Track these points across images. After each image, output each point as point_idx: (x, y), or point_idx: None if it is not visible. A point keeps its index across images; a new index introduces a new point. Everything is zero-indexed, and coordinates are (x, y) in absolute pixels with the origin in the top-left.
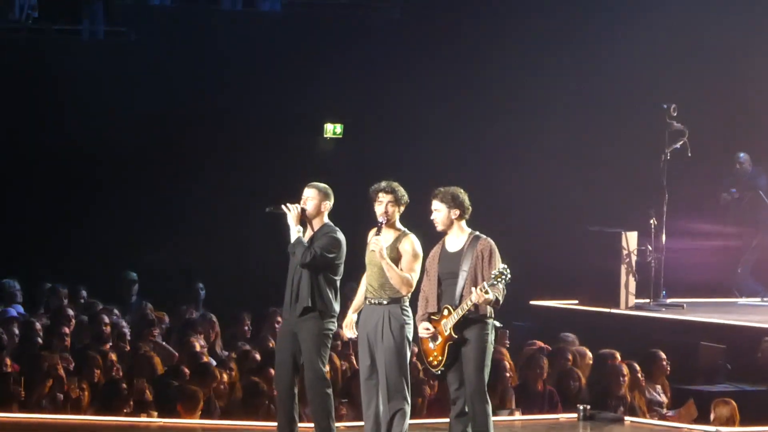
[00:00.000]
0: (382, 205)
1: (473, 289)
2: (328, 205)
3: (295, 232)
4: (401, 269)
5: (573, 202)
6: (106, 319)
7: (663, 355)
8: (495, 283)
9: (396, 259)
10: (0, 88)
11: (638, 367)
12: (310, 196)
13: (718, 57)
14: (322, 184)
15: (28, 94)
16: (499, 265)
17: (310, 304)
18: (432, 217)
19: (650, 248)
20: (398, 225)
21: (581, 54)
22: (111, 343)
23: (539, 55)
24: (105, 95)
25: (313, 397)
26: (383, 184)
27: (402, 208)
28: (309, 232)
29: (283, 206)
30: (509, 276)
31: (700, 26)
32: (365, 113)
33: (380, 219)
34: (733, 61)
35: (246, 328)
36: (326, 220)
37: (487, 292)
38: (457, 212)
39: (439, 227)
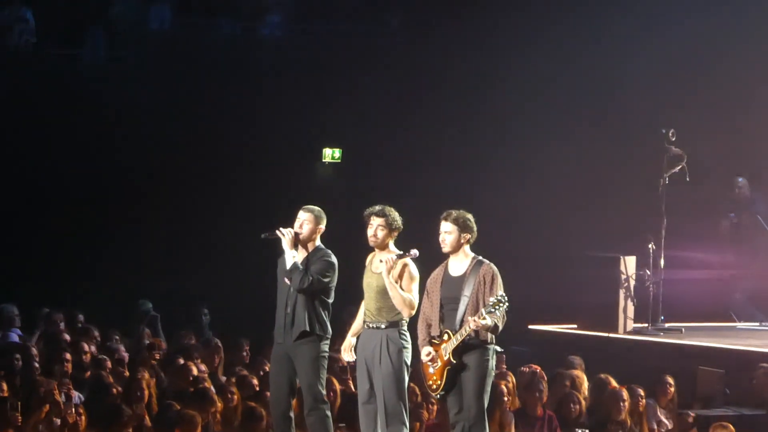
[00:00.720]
0: (372, 228)
1: (472, 317)
2: (322, 228)
3: (291, 257)
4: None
5: (572, 227)
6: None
7: (670, 380)
8: (492, 310)
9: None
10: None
11: (641, 392)
12: (305, 219)
13: (718, 82)
14: (317, 208)
15: (29, 120)
16: (498, 292)
17: (308, 328)
18: (441, 239)
19: (649, 273)
20: (392, 248)
21: (581, 80)
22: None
23: (539, 82)
24: (105, 121)
25: (313, 420)
26: (377, 207)
27: (395, 234)
28: (302, 255)
29: (277, 231)
30: (507, 304)
31: (699, 51)
32: (364, 138)
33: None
34: (733, 86)
35: (244, 353)
36: (319, 243)
37: (484, 319)
38: (467, 237)
39: (447, 249)
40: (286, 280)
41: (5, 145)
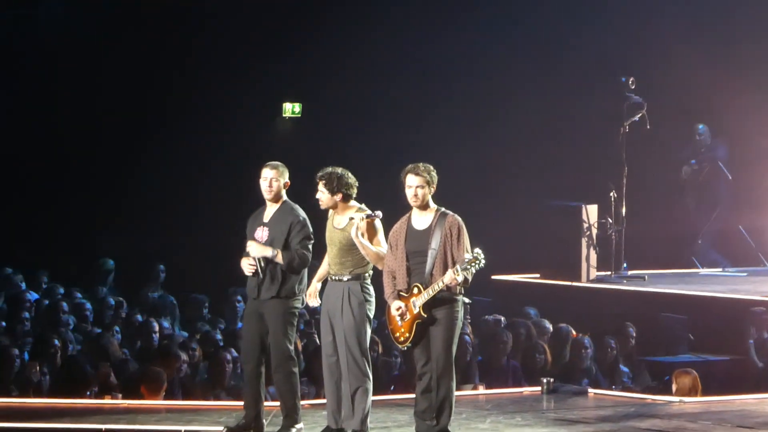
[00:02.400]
0: (323, 194)
1: (448, 270)
2: (288, 182)
3: (272, 253)
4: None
5: (533, 176)
6: (65, 305)
7: (632, 330)
8: (468, 267)
9: (350, 237)
10: None
11: (610, 341)
12: (273, 177)
13: (677, 28)
14: (279, 163)
15: None
16: (474, 250)
17: (277, 293)
18: (413, 193)
19: (610, 221)
20: (352, 204)
21: (540, 28)
22: (71, 327)
23: (498, 29)
24: (59, 76)
25: (279, 376)
26: (323, 173)
27: (343, 193)
28: (270, 211)
29: (243, 265)
30: (483, 261)
31: None
32: (324, 92)
33: (377, 213)
34: (692, 33)
35: (205, 310)
36: (285, 197)
37: (458, 275)
38: (433, 189)
39: (419, 203)
40: (257, 236)
41: None
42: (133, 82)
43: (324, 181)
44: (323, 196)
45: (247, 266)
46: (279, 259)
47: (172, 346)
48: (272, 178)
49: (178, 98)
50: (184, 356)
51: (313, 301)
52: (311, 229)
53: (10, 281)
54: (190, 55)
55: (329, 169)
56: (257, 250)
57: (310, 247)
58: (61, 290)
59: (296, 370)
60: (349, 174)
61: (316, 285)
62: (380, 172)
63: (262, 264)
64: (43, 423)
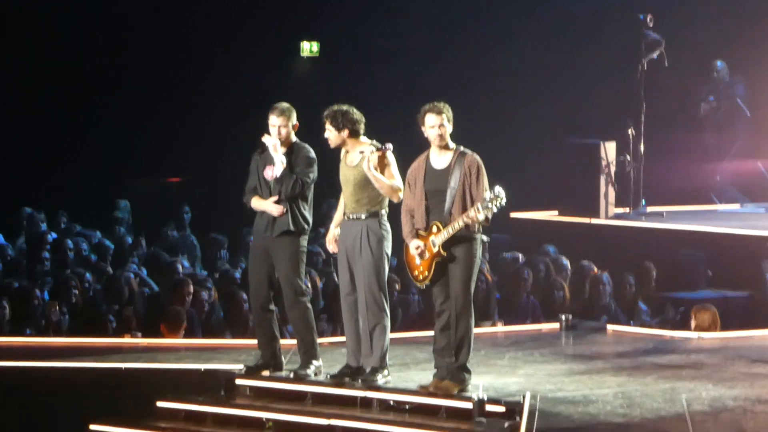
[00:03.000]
0: (330, 132)
1: (471, 209)
2: (296, 123)
3: (281, 163)
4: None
5: (551, 113)
6: (85, 245)
7: (652, 267)
8: (489, 206)
9: (364, 174)
10: None
11: (629, 278)
12: (280, 124)
13: None
14: (285, 105)
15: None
16: (495, 188)
17: (292, 227)
18: (436, 133)
19: (629, 158)
20: (363, 140)
21: None
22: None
23: None
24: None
25: (294, 313)
26: (328, 111)
27: (349, 130)
28: (280, 151)
29: (264, 141)
30: (504, 199)
31: None
32: (343, 31)
33: (388, 145)
34: None
35: (224, 251)
36: (294, 138)
37: (479, 213)
38: (451, 127)
39: (443, 142)
40: (268, 175)
41: None
42: (151, 22)
43: (329, 119)
44: (330, 134)
45: (275, 206)
46: (282, 164)
47: (185, 283)
48: (280, 125)
49: (196, 38)
50: (205, 295)
51: (332, 247)
52: (316, 166)
53: (32, 220)
54: None
55: (334, 107)
56: (270, 172)
57: (310, 178)
58: (79, 229)
59: (310, 305)
60: (354, 110)
61: (334, 231)
62: (397, 110)
63: (269, 144)
64: (64, 362)
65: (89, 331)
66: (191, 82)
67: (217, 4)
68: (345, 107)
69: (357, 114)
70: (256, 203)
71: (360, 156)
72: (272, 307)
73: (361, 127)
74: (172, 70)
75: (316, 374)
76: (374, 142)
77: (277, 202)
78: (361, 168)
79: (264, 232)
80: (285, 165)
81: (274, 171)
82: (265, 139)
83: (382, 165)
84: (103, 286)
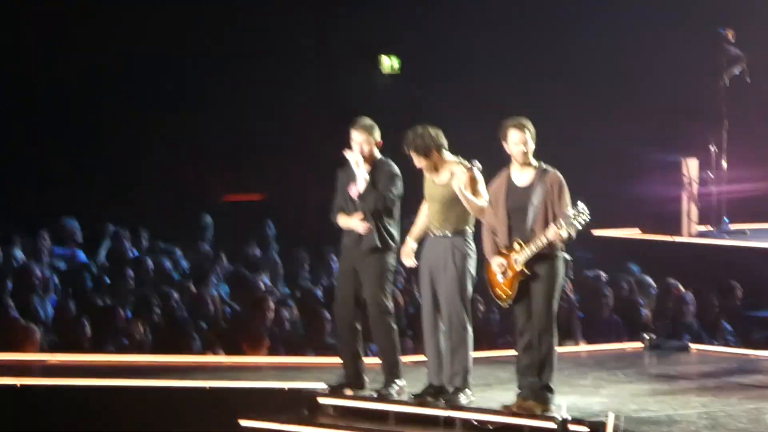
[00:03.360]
0: (417, 161)
1: (551, 225)
2: (378, 140)
3: (363, 179)
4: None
5: (632, 129)
6: (167, 263)
7: (738, 287)
8: (573, 222)
9: (453, 192)
10: None
11: (712, 297)
12: (362, 141)
13: None
14: (367, 121)
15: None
16: (578, 204)
17: (379, 244)
18: (519, 150)
19: (711, 175)
20: (449, 157)
21: None
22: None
23: None
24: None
25: (378, 332)
26: (409, 141)
27: (436, 145)
28: (365, 174)
29: (346, 155)
30: (587, 216)
31: None
32: (424, 47)
33: (476, 163)
34: None
35: (306, 266)
36: (378, 155)
37: (562, 230)
38: (533, 144)
39: (525, 159)
40: (353, 193)
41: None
42: (221, 28)
43: (412, 149)
44: (421, 162)
45: (360, 223)
46: (365, 180)
47: (265, 300)
48: (362, 143)
49: (280, 51)
50: (286, 313)
51: (409, 261)
52: (401, 184)
53: (116, 237)
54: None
55: (409, 137)
56: (355, 189)
57: (395, 194)
58: (162, 246)
59: (395, 325)
60: (428, 128)
61: (411, 244)
62: (479, 127)
63: (352, 159)
64: (148, 380)
65: (173, 349)
66: (273, 96)
67: (302, 20)
68: (419, 130)
69: (433, 131)
70: (343, 221)
71: (450, 175)
72: (357, 325)
73: (444, 141)
74: (255, 85)
75: (398, 394)
76: (461, 159)
77: (362, 219)
78: (449, 186)
79: (351, 250)
80: (368, 181)
81: (357, 187)
82: (347, 154)
83: (471, 184)
84: (188, 304)
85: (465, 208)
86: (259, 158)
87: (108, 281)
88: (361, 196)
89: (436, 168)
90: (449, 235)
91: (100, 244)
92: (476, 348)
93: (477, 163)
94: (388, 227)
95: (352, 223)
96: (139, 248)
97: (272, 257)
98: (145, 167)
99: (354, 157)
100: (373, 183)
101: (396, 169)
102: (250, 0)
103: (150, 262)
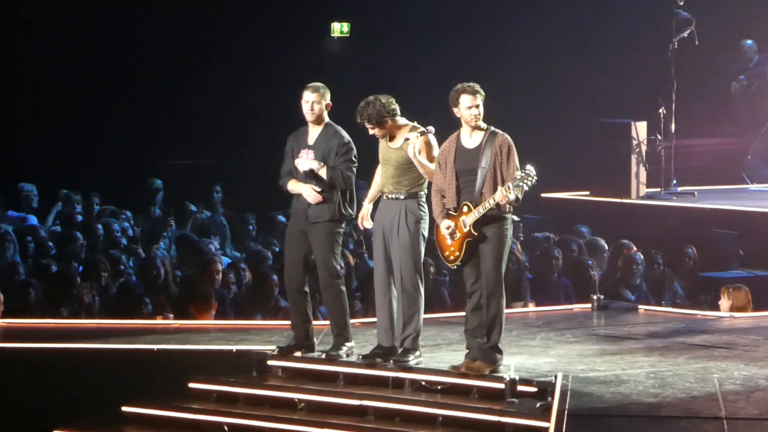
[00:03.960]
0: (372, 129)
1: (499, 188)
2: (330, 103)
3: (317, 165)
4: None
5: (581, 93)
6: (117, 226)
7: (691, 250)
8: (520, 184)
9: (407, 156)
10: None
11: (658, 258)
12: (314, 100)
13: None
14: (320, 84)
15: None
16: (525, 167)
17: (328, 218)
18: (472, 113)
19: (660, 137)
20: (402, 121)
21: None
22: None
23: None
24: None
25: (329, 295)
26: (360, 113)
27: (390, 115)
28: (314, 132)
29: (298, 165)
30: (535, 178)
31: None
32: (374, 12)
33: (430, 128)
34: None
35: (250, 227)
36: (327, 119)
37: (510, 192)
38: (482, 110)
39: (478, 122)
40: (300, 166)
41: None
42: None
43: (366, 120)
44: (376, 131)
45: (311, 193)
46: (323, 173)
47: (213, 263)
48: (313, 101)
49: (225, 19)
50: (233, 276)
51: (367, 223)
52: (356, 152)
53: (69, 201)
54: None
55: (361, 107)
56: (304, 164)
57: (354, 169)
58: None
59: (344, 288)
60: (379, 97)
61: (367, 207)
62: (429, 90)
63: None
64: (96, 343)
65: (123, 313)
66: (222, 62)
67: None
68: (370, 99)
69: (386, 98)
70: (293, 185)
71: (404, 141)
72: (306, 288)
73: (397, 109)
74: (202, 50)
75: (348, 355)
76: (415, 124)
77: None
78: (403, 150)
79: (300, 214)
80: (324, 167)
81: (308, 164)
82: (301, 165)
83: (425, 148)
84: (138, 269)
85: (419, 172)
86: (211, 123)
87: (54, 246)
88: (308, 174)
89: (391, 135)
90: (402, 198)
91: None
92: (427, 311)
93: (431, 128)
94: (345, 201)
95: (303, 189)
96: (89, 212)
97: (219, 220)
98: (97, 132)
99: (308, 165)
100: (325, 149)
101: (347, 137)
102: None
103: (100, 227)
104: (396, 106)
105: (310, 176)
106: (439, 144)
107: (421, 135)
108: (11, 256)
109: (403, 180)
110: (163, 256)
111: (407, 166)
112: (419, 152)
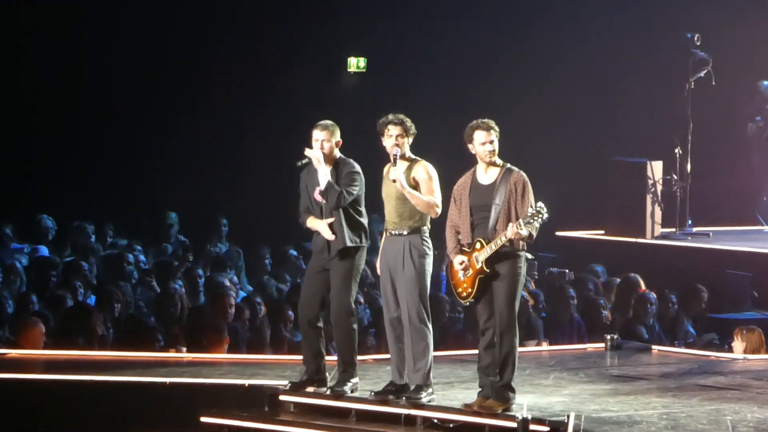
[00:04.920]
0: (392, 138)
1: (510, 224)
2: (339, 140)
3: (324, 176)
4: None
5: (598, 132)
6: (130, 257)
7: (703, 290)
8: (531, 221)
9: (413, 187)
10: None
11: (672, 297)
12: (323, 138)
13: None
14: (329, 122)
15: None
16: (537, 204)
17: (349, 243)
18: (486, 149)
19: (675, 177)
20: (409, 155)
21: None
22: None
23: None
24: (123, 35)
25: (339, 330)
26: (390, 116)
27: (411, 139)
28: (327, 171)
29: (307, 154)
30: (546, 215)
31: None
32: (390, 47)
33: (394, 151)
34: None
35: (266, 261)
36: (338, 154)
37: (522, 228)
38: (498, 146)
39: (493, 158)
40: (318, 197)
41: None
42: (195, 33)
43: (391, 121)
44: (389, 139)
45: (328, 230)
46: (326, 177)
47: (225, 296)
48: (323, 140)
49: (243, 52)
50: (247, 311)
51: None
52: (361, 179)
53: (82, 233)
54: (250, 8)
55: (399, 115)
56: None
57: (354, 192)
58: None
59: (356, 326)
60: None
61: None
62: (444, 126)
63: (313, 156)
64: (108, 376)
65: (135, 345)
66: (238, 95)
67: (266, 19)
68: (400, 114)
69: (411, 122)
70: (312, 223)
71: (403, 170)
72: (320, 324)
73: (411, 136)
74: (218, 83)
75: (352, 391)
76: (417, 158)
77: (330, 225)
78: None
79: (321, 251)
80: (329, 177)
81: (319, 186)
82: (308, 152)
83: (422, 179)
84: (154, 303)
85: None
86: (224, 156)
87: (65, 276)
88: (322, 193)
89: (401, 153)
90: (405, 233)
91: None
92: (443, 347)
93: (396, 151)
94: (355, 224)
95: (321, 226)
96: (103, 244)
97: (233, 252)
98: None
99: (314, 153)
100: (336, 181)
101: (357, 167)
102: (221, 4)
103: (114, 257)
104: (412, 134)
105: (326, 211)
106: (456, 179)
107: (393, 164)
108: (17, 288)
109: (403, 213)
110: (180, 292)
111: (405, 197)
112: (413, 184)
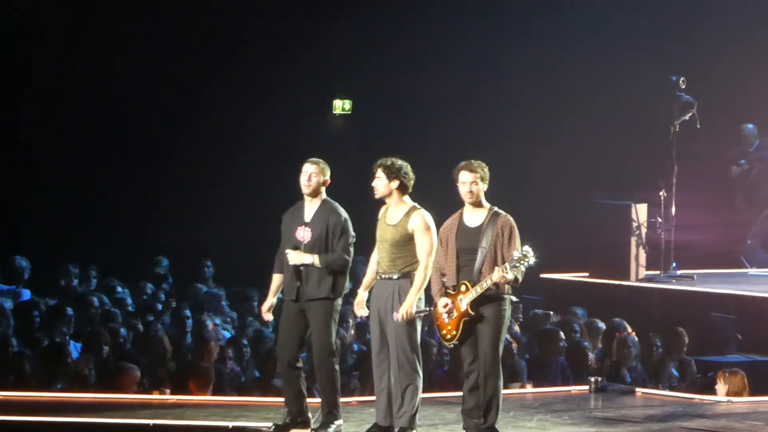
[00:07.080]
0: (380, 180)
1: (496, 268)
2: (328, 180)
3: (310, 260)
4: (415, 244)
5: (582, 174)
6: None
7: (684, 333)
8: (517, 265)
9: (407, 235)
10: None
11: (655, 341)
12: (313, 172)
13: (726, 28)
14: (321, 160)
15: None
16: (523, 248)
17: (324, 295)
18: (468, 190)
19: (660, 220)
20: (407, 200)
21: (589, 26)
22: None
23: (546, 27)
24: (113, 75)
25: (321, 372)
26: (383, 160)
27: (403, 184)
28: (311, 208)
29: (288, 256)
30: (533, 258)
31: None
32: (375, 89)
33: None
34: (741, 33)
35: (254, 304)
36: (324, 195)
37: (508, 273)
38: (485, 186)
39: (474, 199)
40: (299, 236)
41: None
42: (182, 78)
43: (383, 167)
44: (380, 182)
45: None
46: (317, 263)
47: (210, 339)
48: (312, 173)
49: (228, 94)
50: (230, 353)
51: (360, 311)
52: (353, 232)
53: (66, 274)
54: (239, 53)
55: (390, 158)
56: (295, 257)
57: (352, 251)
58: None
59: (338, 366)
60: (409, 167)
61: (363, 294)
62: (431, 169)
63: (301, 269)
64: (92, 417)
65: (118, 386)
66: (223, 136)
67: (251, 62)
68: (401, 162)
69: (410, 171)
70: (294, 257)
71: (401, 216)
72: (299, 364)
73: (410, 184)
74: (204, 125)
75: None
76: (415, 204)
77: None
78: (399, 227)
79: (296, 292)
80: (316, 259)
81: (305, 233)
82: (290, 253)
83: (410, 229)
84: (137, 342)
85: (413, 251)
86: (209, 197)
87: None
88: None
89: (389, 196)
90: (395, 278)
91: (48, 281)
92: (431, 390)
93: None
94: (341, 279)
95: (305, 259)
96: (88, 285)
97: (216, 294)
98: (92, 206)
99: (296, 257)
100: (321, 225)
101: (343, 213)
102: (208, 43)
103: (96, 300)
104: (410, 184)
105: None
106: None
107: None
108: (3, 330)
109: (397, 259)
110: (163, 334)
111: (402, 243)
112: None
